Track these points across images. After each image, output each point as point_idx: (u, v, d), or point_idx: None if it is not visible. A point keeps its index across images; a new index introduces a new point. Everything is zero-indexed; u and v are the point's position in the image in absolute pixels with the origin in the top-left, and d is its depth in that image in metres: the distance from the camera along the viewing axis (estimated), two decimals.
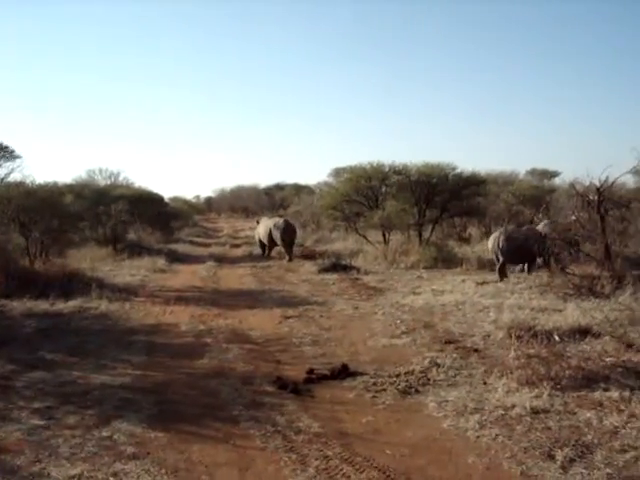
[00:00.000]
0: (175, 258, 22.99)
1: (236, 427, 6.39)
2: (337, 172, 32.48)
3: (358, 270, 17.95)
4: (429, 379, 7.70)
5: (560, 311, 10.76)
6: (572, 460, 5.36)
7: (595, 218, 14.02)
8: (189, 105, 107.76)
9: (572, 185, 15.69)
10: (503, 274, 15.33)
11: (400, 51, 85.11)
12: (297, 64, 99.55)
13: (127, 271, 18.74)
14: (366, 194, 22.71)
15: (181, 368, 8.50)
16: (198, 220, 49.79)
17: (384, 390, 7.39)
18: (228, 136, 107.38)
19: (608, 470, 5.16)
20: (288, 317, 11.70)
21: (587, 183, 14.47)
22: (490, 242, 15.96)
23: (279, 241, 21.40)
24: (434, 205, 21.35)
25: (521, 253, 15.33)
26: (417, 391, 7.33)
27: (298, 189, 47.77)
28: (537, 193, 24.05)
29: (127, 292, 14.72)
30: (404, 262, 18.73)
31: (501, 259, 15.41)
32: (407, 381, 7.61)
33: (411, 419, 6.52)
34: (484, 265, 17.58)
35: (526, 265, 15.95)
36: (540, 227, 16.14)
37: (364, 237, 22.37)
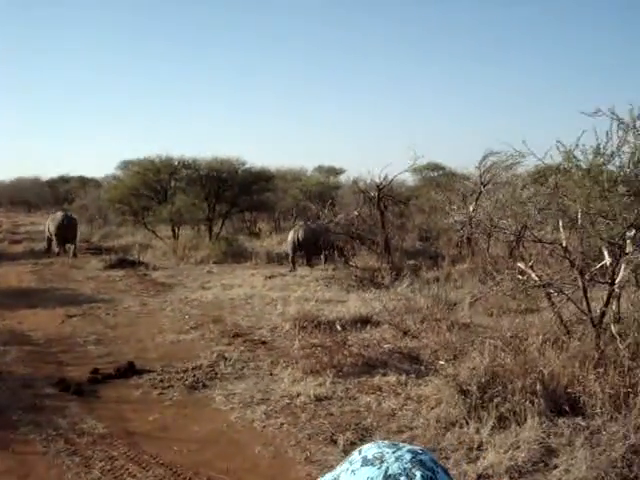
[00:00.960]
0: None
1: (15, 433, 6.00)
2: (125, 165, 31.49)
3: (147, 266, 17.50)
4: (217, 373, 7.69)
5: (343, 302, 11.22)
6: (353, 443, 5.58)
7: (375, 214, 14.78)
8: None
9: (355, 182, 16.43)
10: (294, 264, 15.72)
11: (186, 41, 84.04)
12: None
13: None
14: (155, 188, 22.15)
15: None
16: None
17: (171, 386, 7.28)
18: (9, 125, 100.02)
19: None
20: (71, 316, 11.13)
21: (369, 181, 15.23)
22: (290, 235, 16.27)
23: (55, 236, 20.17)
24: (224, 200, 21.33)
25: (317, 246, 15.79)
26: (205, 385, 7.30)
27: (84, 182, 45.62)
28: (323, 189, 24.84)
29: None
30: (194, 257, 18.54)
31: (297, 252, 15.77)
32: (195, 376, 7.55)
33: (199, 414, 6.48)
34: (273, 259, 17.90)
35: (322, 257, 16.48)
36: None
37: (153, 232, 21.85)
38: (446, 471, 1.13)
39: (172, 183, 22.35)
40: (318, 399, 6.69)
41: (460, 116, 59.54)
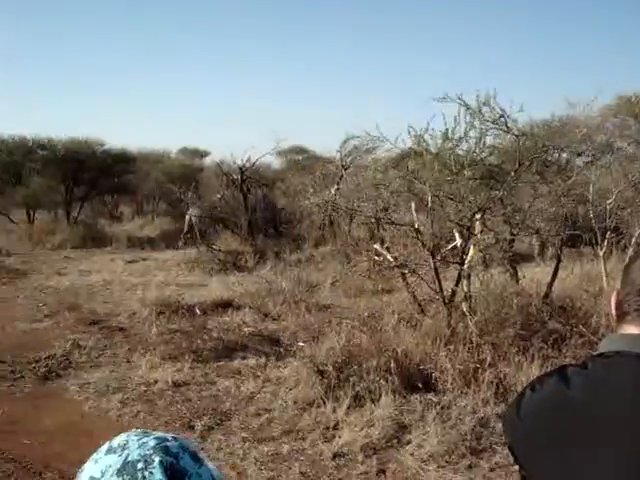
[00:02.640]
0: None
1: None
2: None
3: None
4: (71, 362, 7.37)
5: (205, 286, 11.09)
6: (211, 428, 5.54)
7: (239, 197, 14.69)
8: None
9: (218, 165, 16.25)
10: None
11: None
12: None
13: None
14: (8, 170, 20.94)
15: None
16: None
17: (22, 377, 6.91)
18: None
19: (244, 434, 5.43)
20: None
21: (232, 164, 15.10)
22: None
23: None
24: (83, 182, 20.47)
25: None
26: (58, 375, 6.98)
27: None
28: (187, 172, 24.38)
29: None
30: (51, 242, 17.76)
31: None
32: (47, 366, 7.19)
33: (51, 405, 6.19)
34: (135, 243, 17.45)
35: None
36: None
37: (7, 216, 20.69)
38: (196, 457, 1.10)
39: (27, 165, 21.19)
40: (176, 385, 6.56)
41: (324, 100, 60.14)
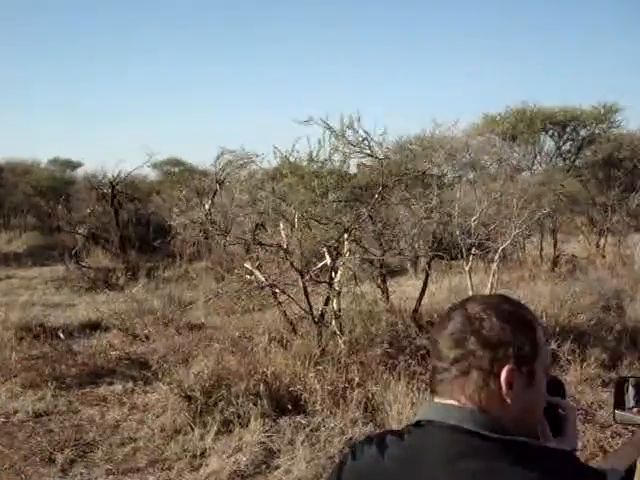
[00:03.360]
0: None
1: None
2: None
3: None
4: None
5: (73, 306, 10.67)
6: (73, 461, 5.29)
7: (110, 211, 14.25)
8: None
9: (87, 178, 15.71)
10: None
11: None
12: None
13: None
14: None
15: None
16: None
17: None
18: None
19: (108, 466, 5.20)
20: None
21: (101, 177, 14.65)
22: None
23: None
24: None
25: None
26: None
27: None
28: (57, 184, 23.38)
29: None
30: None
31: None
32: None
33: None
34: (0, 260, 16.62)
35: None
36: None
37: None
38: None
39: None
40: (37, 415, 6.23)
41: (200, 113, 59.32)
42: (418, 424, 1.22)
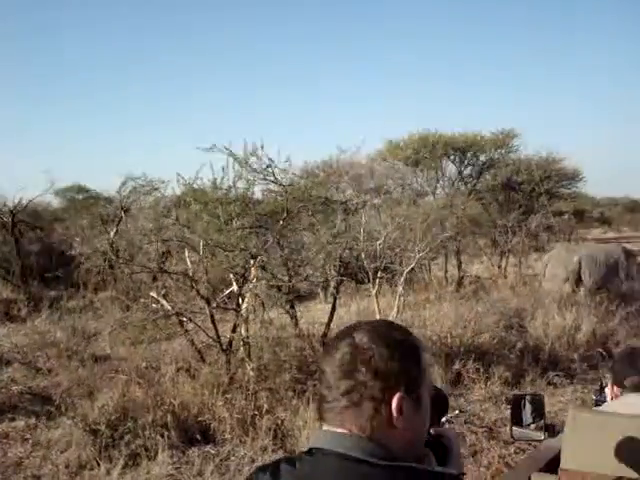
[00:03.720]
0: None
1: None
2: None
3: None
4: None
5: None
6: None
7: (10, 240, 13.77)
8: None
9: None
10: None
11: None
12: None
13: None
14: None
15: None
16: None
17: None
18: None
19: None
20: None
21: (2, 205, 14.16)
22: None
23: None
24: None
25: None
26: None
27: None
28: None
29: None
30: None
31: None
32: None
33: None
34: None
35: None
36: None
37: None
38: None
39: None
40: None
41: (105, 138, 58.16)
42: (310, 452, 1.23)
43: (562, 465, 2.37)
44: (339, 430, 1.23)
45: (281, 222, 6.47)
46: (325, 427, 1.27)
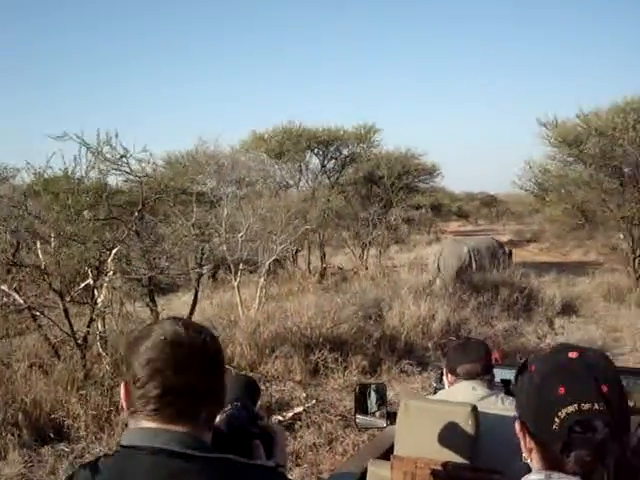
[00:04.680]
0: None
1: None
2: None
3: None
4: None
5: None
6: None
7: None
8: None
9: None
10: None
11: None
12: None
13: None
14: None
15: None
16: None
17: None
18: None
19: None
20: None
21: None
22: None
23: None
24: None
25: None
26: None
27: None
28: None
29: None
30: None
31: None
32: None
33: None
34: None
35: None
36: None
37: None
38: None
39: None
40: None
41: None
42: (126, 448, 1.24)
43: (395, 452, 2.46)
44: (154, 425, 1.24)
45: (136, 213, 6.33)
46: (138, 425, 1.26)
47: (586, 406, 1.11)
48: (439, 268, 14.64)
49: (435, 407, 2.46)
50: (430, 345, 8.72)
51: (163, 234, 7.35)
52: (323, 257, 15.44)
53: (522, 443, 1.23)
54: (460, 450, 2.28)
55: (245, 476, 1.24)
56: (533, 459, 1.20)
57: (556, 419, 1.12)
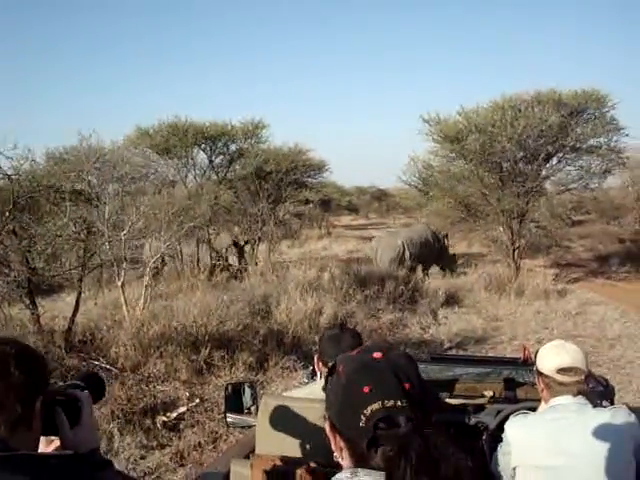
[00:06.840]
0: None
1: None
2: None
3: None
4: None
5: None
6: None
7: None
8: None
9: None
10: None
11: None
12: None
13: None
14: None
15: None
16: None
17: None
18: None
19: None
20: None
21: None
22: None
23: None
24: None
25: None
26: None
27: None
28: None
29: None
30: None
31: None
32: None
33: None
34: None
35: None
36: None
37: None
38: None
39: None
40: None
41: None
42: None
43: (256, 450, 2.47)
44: None
45: (7, 214, 6.08)
46: None
47: (390, 403, 1.19)
48: (375, 260, 14.98)
49: (293, 404, 2.45)
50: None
51: (42, 233, 7.08)
52: (212, 254, 15.30)
53: (332, 443, 1.29)
54: (319, 446, 2.30)
55: (40, 467, 1.26)
56: (344, 458, 1.26)
57: (362, 417, 1.19)
